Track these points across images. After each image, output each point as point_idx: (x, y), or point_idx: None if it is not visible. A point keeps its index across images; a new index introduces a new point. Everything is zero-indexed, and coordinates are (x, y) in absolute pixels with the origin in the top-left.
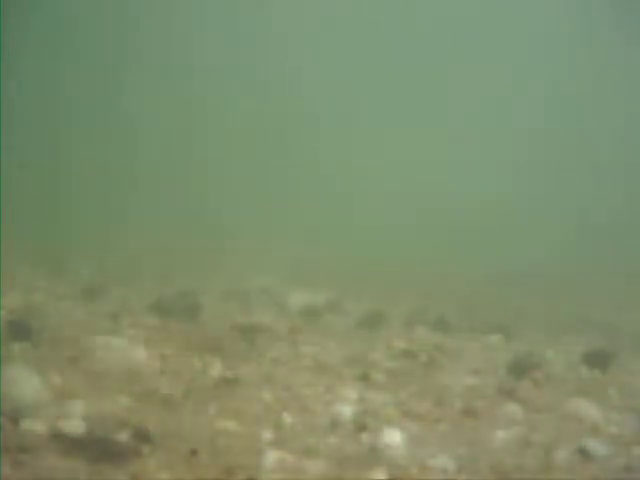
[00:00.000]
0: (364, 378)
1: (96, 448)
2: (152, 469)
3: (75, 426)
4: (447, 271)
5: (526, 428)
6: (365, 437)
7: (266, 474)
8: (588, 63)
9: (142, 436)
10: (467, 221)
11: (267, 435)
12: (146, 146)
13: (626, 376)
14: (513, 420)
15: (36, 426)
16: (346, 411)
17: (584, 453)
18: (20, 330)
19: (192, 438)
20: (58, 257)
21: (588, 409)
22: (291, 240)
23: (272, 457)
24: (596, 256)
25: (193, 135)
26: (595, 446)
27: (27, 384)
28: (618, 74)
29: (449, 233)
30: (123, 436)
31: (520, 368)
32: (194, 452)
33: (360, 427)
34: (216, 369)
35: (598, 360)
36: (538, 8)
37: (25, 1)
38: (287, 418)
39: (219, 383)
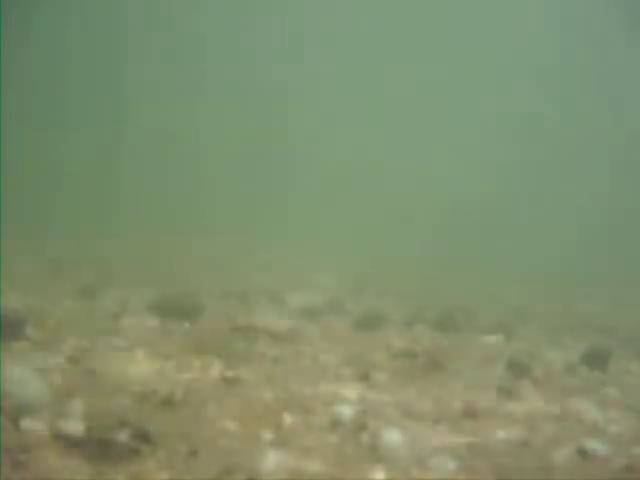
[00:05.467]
0: (364, 378)
1: (96, 448)
2: (152, 469)
3: (75, 426)
4: (447, 271)
5: (526, 428)
6: (365, 437)
7: (266, 474)
8: (587, 61)
9: (142, 436)
10: (467, 221)
11: (267, 435)
12: (145, 147)
13: (626, 376)
14: (513, 420)
15: (36, 426)
16: (346, 411)
17: (584, 453)
18: (20, 330)
19: (192, 438)
20: (58, 257)
21: (588, 409)
22: (290, 241)
23: (272, 457)
24: (596, 256)
25: (191, 136)
26: (595, 446)
27: (27, 384)
28: (619, 71)
29: (449, 234)
30: (123, 436)
31: (520, 368)
32: (194, 452)
33: (360, 427)
34: (216, 369)
35: (598, 360)
36: (538, 6)
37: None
38: (287, 418)
39: (219, 383)
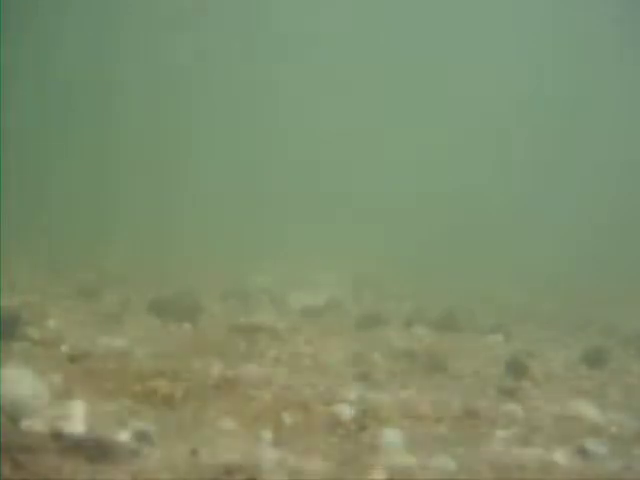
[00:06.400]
0: (364, 378)
1: (96, 448)
2: (152, 469)
3: (75, 426)
4: (447, 271)
5: (526, 428)
6: (365, 437)
7: (266, 474)
8: (587, 60)
9: (142, 436)
10: (467, 221)
11: (267, 435)
12: (146, 147)
13: (626, 376)
14: (513, 420)
15: (36, 426)
16: (346, 411)
17: (584, 453)
18: (20, 329)
19: (192, 438)
20: (58, 257)
21: (588, 409)
22: (290, 241)
23: (272, 457)
24: (596, 256)
25: (185, 136)
26: (595, 446)
27: (27, 384)
28: (617, 71)
29: (449, 233)
30: (123, 436)
31: (520, 368)
32: (194, 452)
33: (360, 427)
34: (216, 369)
35: (598, 360)
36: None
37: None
38: (287, 418)
39: (219, 383)
